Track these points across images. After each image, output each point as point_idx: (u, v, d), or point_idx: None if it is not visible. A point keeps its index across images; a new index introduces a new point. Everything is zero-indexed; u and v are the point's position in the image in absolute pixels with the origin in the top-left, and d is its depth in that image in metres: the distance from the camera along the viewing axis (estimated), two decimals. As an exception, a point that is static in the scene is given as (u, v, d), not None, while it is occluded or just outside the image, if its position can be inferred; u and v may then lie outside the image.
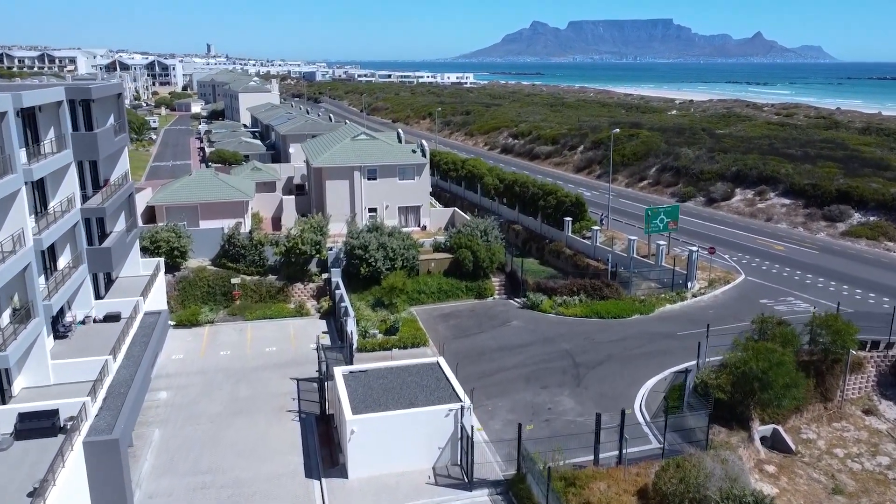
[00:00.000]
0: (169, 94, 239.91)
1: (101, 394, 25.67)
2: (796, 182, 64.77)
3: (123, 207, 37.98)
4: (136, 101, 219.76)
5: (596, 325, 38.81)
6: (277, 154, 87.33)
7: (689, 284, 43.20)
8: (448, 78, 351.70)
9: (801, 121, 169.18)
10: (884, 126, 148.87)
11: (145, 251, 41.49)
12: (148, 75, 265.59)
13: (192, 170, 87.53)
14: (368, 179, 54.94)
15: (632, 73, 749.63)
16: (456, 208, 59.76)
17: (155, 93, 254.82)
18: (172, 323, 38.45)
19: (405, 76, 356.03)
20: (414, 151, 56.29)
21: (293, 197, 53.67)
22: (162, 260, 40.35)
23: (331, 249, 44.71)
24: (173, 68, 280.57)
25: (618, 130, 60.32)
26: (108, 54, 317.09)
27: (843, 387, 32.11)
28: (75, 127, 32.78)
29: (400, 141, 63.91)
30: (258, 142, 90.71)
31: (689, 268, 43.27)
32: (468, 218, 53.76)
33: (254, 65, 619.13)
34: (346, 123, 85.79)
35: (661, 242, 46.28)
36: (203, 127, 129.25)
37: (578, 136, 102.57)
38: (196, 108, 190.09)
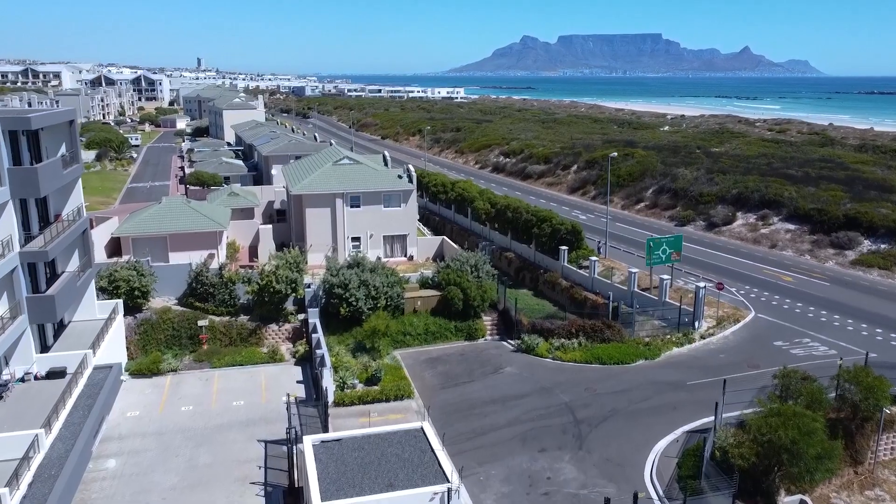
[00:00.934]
0: (155, 109, 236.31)
1: (27, 478, 21.97)
2: (801, 206, 61.94)
3: (77, 245, 34.39)
4: (121, 117, 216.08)
5: (597, 373, 35.42)
6: (260, 175, 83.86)
7: (696, 324, 39.95)
8: (438, 93, 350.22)
9: (794, 137, 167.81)
10: (878, 143, 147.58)
11: (103, 292, 37.84)
12: (134, 90, 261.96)
13: (170, 191, 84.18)
14: (351, 207, 51.55)
15: (622, 88, 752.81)
16: (445, 237, 56.41)
17: (141, 108, 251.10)
18: (125, 379, 34.49)
19: (395, 91, 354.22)
20: (400, 177, 52.99)
21: (270, 227, 50.19)
22: (120, 302, 36.71)
23: (308, 287, 41.19)
24: (160, 83, 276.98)
25: (615, 155, 57.22)
26: (93, 69, 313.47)
27: (876, 448, 28.84)
28: (17, 160, 29.28)
29: (386, 165, 60.66)
30: (240, 162, 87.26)
31: (696, 306, 40.04)
32: (458, 249, 50.43)
33: (243, 79, 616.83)
34: (330, 145, 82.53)
35: (665, 277, 43.07)
36: (186, 145, 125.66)
37: (572, 154, 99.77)
38: (181, 124, 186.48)
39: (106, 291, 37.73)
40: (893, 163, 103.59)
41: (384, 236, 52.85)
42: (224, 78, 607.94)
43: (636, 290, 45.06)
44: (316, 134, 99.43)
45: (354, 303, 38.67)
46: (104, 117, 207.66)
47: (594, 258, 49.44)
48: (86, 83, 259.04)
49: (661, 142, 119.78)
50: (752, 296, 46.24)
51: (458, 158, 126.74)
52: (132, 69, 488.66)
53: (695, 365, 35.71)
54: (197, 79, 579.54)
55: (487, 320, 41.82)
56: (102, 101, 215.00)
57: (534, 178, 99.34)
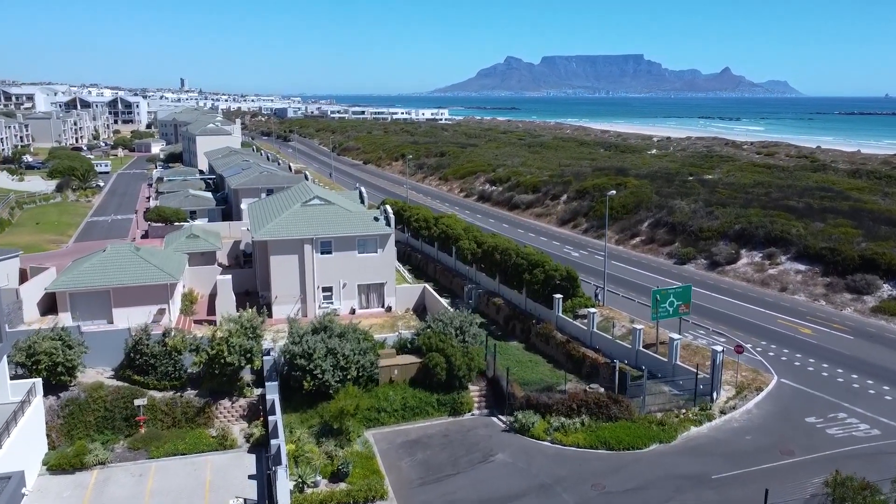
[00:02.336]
0: (131, 132, 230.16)
1: None
2: (811, 245, 57.44)
3: (-18, 318, 28.64)
4: (95, 141, 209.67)
5: (605, 462, 30.08)
6: (230, 209, 78.36)
7: (714, 395, 34.82)
8: (423, 114, 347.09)
9: (783, 160, 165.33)
10: (869, 167, 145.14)
11: (22, 367, 32.04)
12: (110, 113, 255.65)
13: (131, 228, 78.21)
14: (322, 254, 46.20)
15: (605, 108, 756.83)
16: (426, 285, 51.03)
17: (117, 131, 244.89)
18: (26, 492, 28.00)
19: (379, 113, 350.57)
20: (376, 219, 47.74)
21: (228, 278, 44.62)
22: (39, 382, 30.91)
23: (268, 353, 35.62)
24: (137, 106, 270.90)
25: (613, 193, 52.39)
26: (69, 91, 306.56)
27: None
28: None
29: (362, 202, 55.50)
30: (208, 195, 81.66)
31: (713, 373, 34.94)
32: (440, 302, 45.18)
33: (226, 100, 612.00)
34: (305, 178, 77.31)
35: (675, 336, 37.99)
36: (157, 172, 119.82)
37: (561, 183, 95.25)
38: (156, 148, 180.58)
39: (25, 367, 31.93)
40: (889, 189, 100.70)
41: (359, 285, 47.50)
42: (206, 99, 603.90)
43: (641, 348, 40.01)
44: (291, 164, 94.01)
45: (320, 375, 33.18)
46: (77, 141, 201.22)
47: (593, 309, 44.37)
48: (60, 106, 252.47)
49: (651, 168, 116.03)
50: (771, 353, 41.29)
51: (442, 186, 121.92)
52: (113, 90, 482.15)
53: (718, 451, 30.50)
54: (178, 100, 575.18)
55: (475, 391, 36.41)
56: (75, 124, 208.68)
57: (521, 208, 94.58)
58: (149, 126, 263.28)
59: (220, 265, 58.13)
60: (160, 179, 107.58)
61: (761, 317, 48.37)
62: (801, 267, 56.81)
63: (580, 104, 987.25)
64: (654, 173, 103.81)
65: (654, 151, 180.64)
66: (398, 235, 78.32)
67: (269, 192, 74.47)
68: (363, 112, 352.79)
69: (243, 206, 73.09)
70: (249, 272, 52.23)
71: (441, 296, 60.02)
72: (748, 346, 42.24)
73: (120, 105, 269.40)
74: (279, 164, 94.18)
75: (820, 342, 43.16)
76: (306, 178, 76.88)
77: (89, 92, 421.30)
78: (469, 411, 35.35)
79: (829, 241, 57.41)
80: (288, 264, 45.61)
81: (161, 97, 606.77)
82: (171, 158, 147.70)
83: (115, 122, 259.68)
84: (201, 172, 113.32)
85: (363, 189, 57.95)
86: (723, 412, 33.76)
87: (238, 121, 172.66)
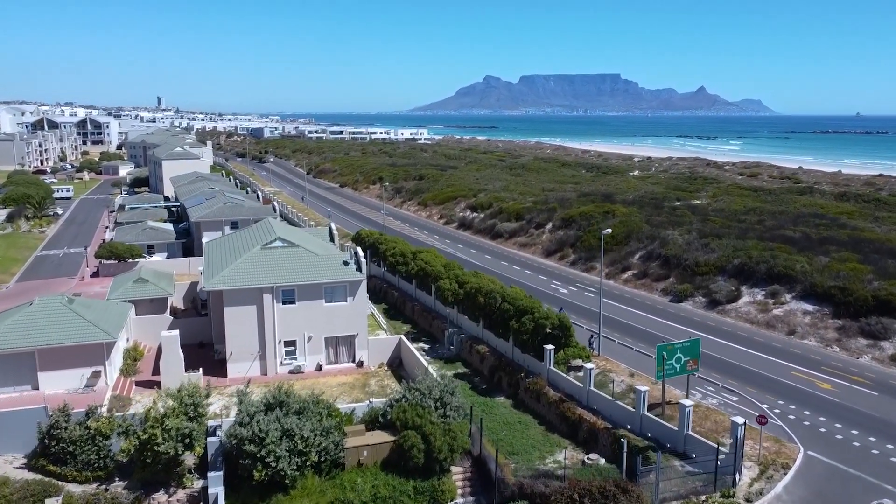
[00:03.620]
0: (100, 154, 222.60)
1: None
2: (818, 284, 53.29)
3: None
4: (62, 163, 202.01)
5: (616, 573, 24.98)
6: (192, 242, 72.62)
7: (737, 475, 29.96)
8: (401, 134, 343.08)
9: (766, 181, 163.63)
10: (853, 188, 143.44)
11: None
12: (78, 134, 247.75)
13: (82, 265, 71.93)
14: (284, 303, 40.87)
15: (584, 127, 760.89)
16: (402, 337, 45.71)
17: (85, 153, 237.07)
18: None
19: (357, 132, 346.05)
20: (346, 263, 42.54)
21: (175, 334, 38.85)
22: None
23: (213, 434, 30.14)
24: (107, 126, 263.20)
25: (608, 231, 47.82)
26: (37, 111, 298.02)
27: None
28: None
29: (332, 240, 50.31)
30: (169, 227, 75.82)
31: (735, 450, 30.12)
32: (419, 358, 40.04)
33: (202, 119, 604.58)
34: (273, 212, 71.95)
35: (686, 402, 33.19)
36: (120, 199, 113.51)
37: (545, 210, 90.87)
38: (124, 171, 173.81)
39: None
40: (879, 213, 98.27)
41: (326, 338, 42.20)
42: (182, 118, 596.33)
43: (646, 412, 35.17)
44: (259, 192, 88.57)
45: (274, 463, 27.78)
46: (42, 164, 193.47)
47: (590, 365, 39.48)
48: (27, 126, 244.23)
49: (637, 192, 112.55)
50: (791, 416, 36.63)
51: (421, 211, 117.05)
52: (87, 109, 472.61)
53: (750, 555, 25.56)
54: (153, 120, 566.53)
55: (458, 474, 31.20)
56: (41, 146, 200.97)
57: (504, 237, 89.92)
58: (119, 147, 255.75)
59: (175, 309, 52.50)
60: (122, 207, 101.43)
61: (773, 368, 43.84)
62: (809, 307, 52.57)
63: (559, 123, 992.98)
64: (641, 198, 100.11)
65: (636, 173, 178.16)
66: (373, 270, 73.36)
67: (234, 224, 69.14)
68: (341, 132, 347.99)
69: (205, 239, 67.51)
70: (205, 321, 46.64)
71: (420, 339, 55.06)
72: (765, 406, 37.60)
73: (89, 125, 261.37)
74: (248, 191, 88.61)
75: (842, 400, 38.64)
76: (274, 208, 71.52)
77: (62, 111, 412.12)
78: (452, 500, 30.10)
79: (837, 278, 53.33)
80: (245, 316, 40.20)
81: (136, 116, 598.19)
82: (138, 183, 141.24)
83: (84, 143, 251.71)
84: (167, 199, 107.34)
85: (333, 225, 52.74)
86: (748, 500, 28.86)
87: (209, 143, 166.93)
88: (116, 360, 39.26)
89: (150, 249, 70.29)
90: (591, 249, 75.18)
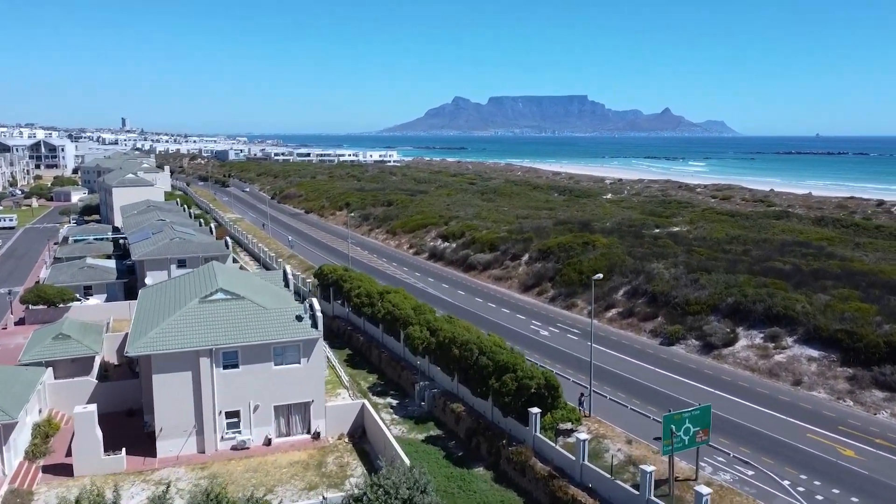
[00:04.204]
0: (54, 178, 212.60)
1: None
2: (822, 326, 48.91)
3: None
4: (10, 189, 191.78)
5: None
6: (135, 282, 65.78)
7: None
8: (371, 156, 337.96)
9: (739, 204, 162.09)
10: (827, 211, 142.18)
11: None
12: (31, 157, 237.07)
13: (8, 310, 64.21)
14: (225, 368, 34.78)
15: (553, 148, 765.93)
16: (365, 403, 39.78)
17: (38, 177, 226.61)
18: None
19: (325, 155, 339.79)
20: (300, 318, 36.63)
21: (92, 411, 32.25)
22: None
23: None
24: (62, 149, 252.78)
25: (600, 276, 42.82)
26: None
27: None
28: None
29: (287, 285, 44.37)
30: (111, 264, 68.93)
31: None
32: (385, 432, 34.22)
33: (166, 140, 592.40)
34: (225, 248, 65.64)
35: (703, 490, 27.97)
36: (65, 230, 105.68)
37: (521, 241, 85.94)
38: (76, 197, 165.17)
39: None
40: (859, 239, 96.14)
41: (276, 407, 36.15)
42: (146, 139, 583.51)
43: (652, 496, 29.85)
44: (213, 225, 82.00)
45: None
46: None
47: (583, 435, 34.12)
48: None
49: (614, 219, 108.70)
50: (819, 497, 31.57)
51: (389, 240, 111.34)
52: (47, 130, 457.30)
53: None
54: (116, 141, 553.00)
55: None
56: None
57: (478, 269, 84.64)
58: (75, 171, 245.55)
59: (106, 365, 45.85)
60: (65, 240, 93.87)
61: (786, 429, 38.93)
62: (814, 353, 48.09)
63: (528, 143, 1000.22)
64: (619, 226, 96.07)
65: (609, 196, 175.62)
66: (337, 309, 67.36)
67: (182, 263, 62.69)
68: (308, 154, 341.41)
69: (149, 280, 60.87)
70: (136, 383, 40.15)
71: (387, 393, 49.15)
72: (786, 483, 32.56)
73: (43, 148, 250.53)
74: (201, 224, 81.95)
75: (871, 472, 33.77)
76: (227, 244, 65.26)
77: (20, 133, 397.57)
78: None
79: (842, 320, 49.01)
80: (177, 385, 33.98)
81: (97, 138, 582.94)
82: (88, 211, 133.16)
83: (38, 166, 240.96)
84: (116, 230, 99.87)
85: (289, 268, 46.76)
86: None
87: (167, 168, 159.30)
88: (19, 441, 32.65)
89: (88, 291, 63.36)
90: (571, 284, 70.28)
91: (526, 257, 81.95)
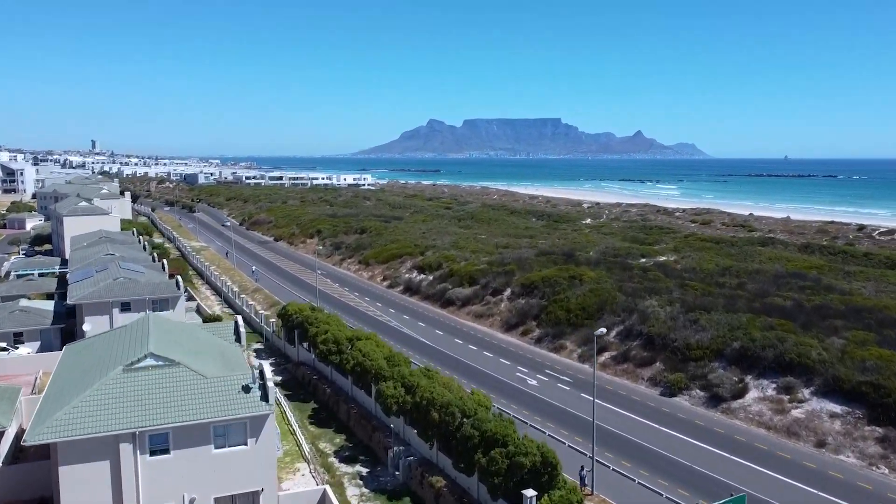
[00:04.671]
0: (10, 204, 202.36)
1: None
2: (843, 378, 43.94)
3: None
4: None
5: None
6: (74, 327, 58.66)
7: None
8: (344, 179, 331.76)
9: (720, 229, 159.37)
10: (809, 236, 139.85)
11: None
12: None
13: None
14: (153, 454, 28.31)
15: (528, 171, 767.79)
16: (327, 489, 33.36)
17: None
18: None
19: (297, 178, 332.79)
20: (247, 389, 30.36)
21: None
22: None
23: None
24: (21, 173, 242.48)
25: (603, 331, 37.34)
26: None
27: None
28: None
29: (238, 340, 38.06)
30: (48, 306, 61.70)
31: None
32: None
33: (136, 163, 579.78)
34: (176, 289, 58.87)
35: None
36: (10, 263, 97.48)
37: (502, 273, 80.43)
38: (31, 224, 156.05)
39: None
40: (849, 267, 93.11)
41: (217, 500, 29.63)
42: (115, 162, 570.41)
43: None
44: (165, 261, 75.07)
45: None
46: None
47: (590, 530, 28.23)
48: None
49: (598, 247, 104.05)
50: None
51: (362, 271, 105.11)
52: (12, 153, 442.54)
53: None
54: (83, 165, 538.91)
55: None
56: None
57: (457, 305, 78.78)
58: (35, 196, 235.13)
59: (20, 442, 38.78)
60: (7, 275, 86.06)
61: (818, 507, 33.54)
62: (836, 408, 43.00)
63: (502, 166, 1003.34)
64: (604, 256, 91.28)
65: (588, 221, 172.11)
66: (302, 354, 60.93)
67: (126, 306, 55.89)
68: (281, 178, 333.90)
69: (87, 327, 53.86)
70: (46, 465, 33.32)
71: (356, 459, 42.74)
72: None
73: (1, 172, 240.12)
74: (154, 258, 74.97)
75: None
76: (178, 285, 58.60)
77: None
78: None
79: (864, 370, 44.10)
80: (91, 478, 27.42)
81: (64, 161, 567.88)
82: (40, 240, 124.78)
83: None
84: (66, 263, 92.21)
85: (240, 319, 40.43)
86: None
87: (127, 194, 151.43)
88: None
89: (18, 338, 56.12)
90: (558, 324, 64.75)
91: (508, 292, 76.39)
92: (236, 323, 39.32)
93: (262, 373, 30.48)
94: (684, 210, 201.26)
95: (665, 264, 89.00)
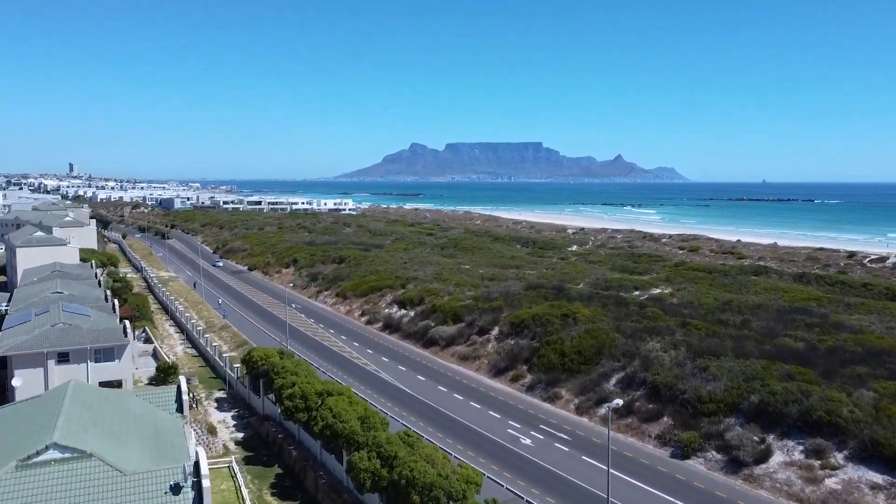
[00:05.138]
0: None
1: None
2: (882, 441, 38.51)
3: None
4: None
5: None
6: (5, 379, 51.63)
7: None
8: (325, 204, 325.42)
9: (709, 256, 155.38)
10: (799, 263, 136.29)
11: None
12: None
13: None
14: (48, 580, 21.74)
15: (510, 194, 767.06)
16: None
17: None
18: None
19: (276, 203, 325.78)
20: (177, 489, 23.98)
21: None
22: None
23: None
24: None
25: (619, 403, 31.48)
26: None
27: None
28: None
29: (180, 408, 31.78)
30: (-22, 354, 54.48)
31: None
32: None
33: (112, 187, 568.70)
34: (123, 336, 51.96)
35: None
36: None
37: (489, 310, 74.62)
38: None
39: None
40: (849, 299, 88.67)
41: None
42: (90, 186, 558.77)
43: None
44: (117, 301, 68.30)
45: None
46: None
47: None
48: None
49: (587, 278, 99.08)
50: None
51: (339, 305, 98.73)
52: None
53: None
54: (58, 188, 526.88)
55: None
56: None
57: (440, 345, 72.68)
58: None
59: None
60: (-54, 313, 78.32)
61: None
62: (877, 477, 37.49)
63: (484, 189, 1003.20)
64: (596, 288, 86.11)
65: (574, 248, 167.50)
66: (268, 407, 54.50)
67: (64, 357, 49.10)
68: (259, 202, 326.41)
69: (16, 382, 47.09)
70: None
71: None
72: None
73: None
74: (107, 299, 67.96)
75: None
76: (125, 331, 51.97)
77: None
78: None
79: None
80: None
81: (39, 185, 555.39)
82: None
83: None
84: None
85: (184, 382, 34.09)
86: None
87: (93, 222, 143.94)
88: None
89: (-62, 394, 48.96)
90: (552, 369, 58.90)
91: (496, 331, 70.53)
92: (178, 389, 33.00)
93: (196, 466, 24.17)
94: (671, 236, 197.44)
95: (661, 297, 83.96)
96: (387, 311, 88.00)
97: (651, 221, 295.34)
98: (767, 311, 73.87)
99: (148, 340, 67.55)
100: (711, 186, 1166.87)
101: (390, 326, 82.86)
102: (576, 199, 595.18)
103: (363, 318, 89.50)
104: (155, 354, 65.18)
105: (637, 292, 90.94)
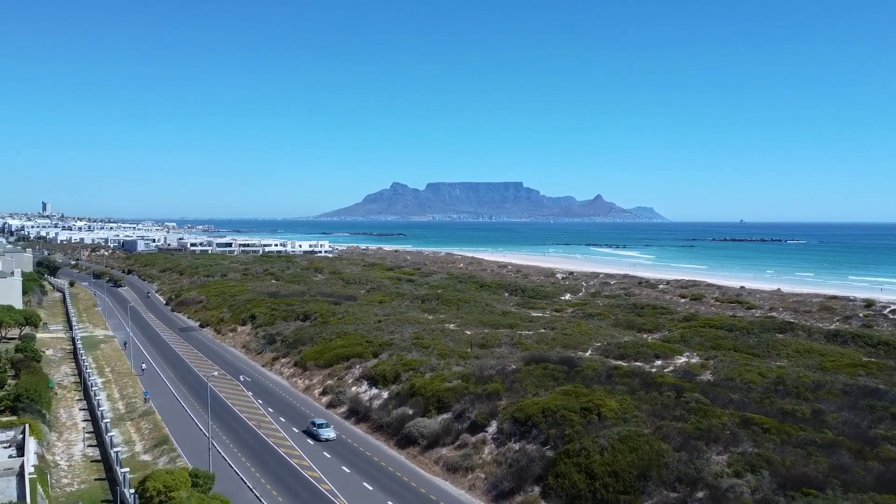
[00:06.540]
0: None
1: None
2: None
3: None
4: None
5: None
6: None
7: None
8: (300, 246, 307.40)
9: (714, 305, 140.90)
10: (816, 314, 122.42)
11: None
12: None
13: None
14: None
15: (492, 234, 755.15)
16: None
17: None
18: None
19: (247, 245, 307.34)
20: None
21: None
22: None
23: None
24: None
25: None
26: None
27: None
28: None
29: None
30: None
31: None
32: None
33: (80, 227, 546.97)
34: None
35: None
36: None
37: (484, 396, 57.87)
38: None
39: None
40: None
41: None
42: (56, 226, 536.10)
43: None
44: (76, 342, 49.97)
45: None
46: None
47: None
48: None
49: (596, 343, 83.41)
50: None
51: (297, 377, 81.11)
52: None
53: None
54: (22, 228, 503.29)
55: None
56: None
57: (420, 445, 55.40)
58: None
59: None
60: None
61: None
62: None
63: (465, 229, 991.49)
64: (608, 356, 70.35)
65: (568, 297, 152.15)
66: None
67: None
68: (230, 244, 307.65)
69: None
70: None
71: None
72: None
73: None
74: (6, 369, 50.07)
75: None
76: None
77: None
78: None
79: None
80: None
81: (3, 225, 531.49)
82: None
83: None
84: None
85: None
86: None
87: (18, 271, 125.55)
88: None
89: None
90: (577, 497, 41.97)
91: (493, 428, 53.59)
92: None
93: None
94: (668, 282, 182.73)
95: (691, 370, 68.49)
96: (354, 388, 70.74)
97: (641, 265, 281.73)
98: (832, 394, 58.48)
99: (20, 450, 49.32)
100: (691, 226, 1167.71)
101: (357, 413, 65.43)
102: (558, 240, 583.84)
103: (325, 398, 71.94)
104: (20, 474, 46.66)
105: (659, 362, 75.35)
